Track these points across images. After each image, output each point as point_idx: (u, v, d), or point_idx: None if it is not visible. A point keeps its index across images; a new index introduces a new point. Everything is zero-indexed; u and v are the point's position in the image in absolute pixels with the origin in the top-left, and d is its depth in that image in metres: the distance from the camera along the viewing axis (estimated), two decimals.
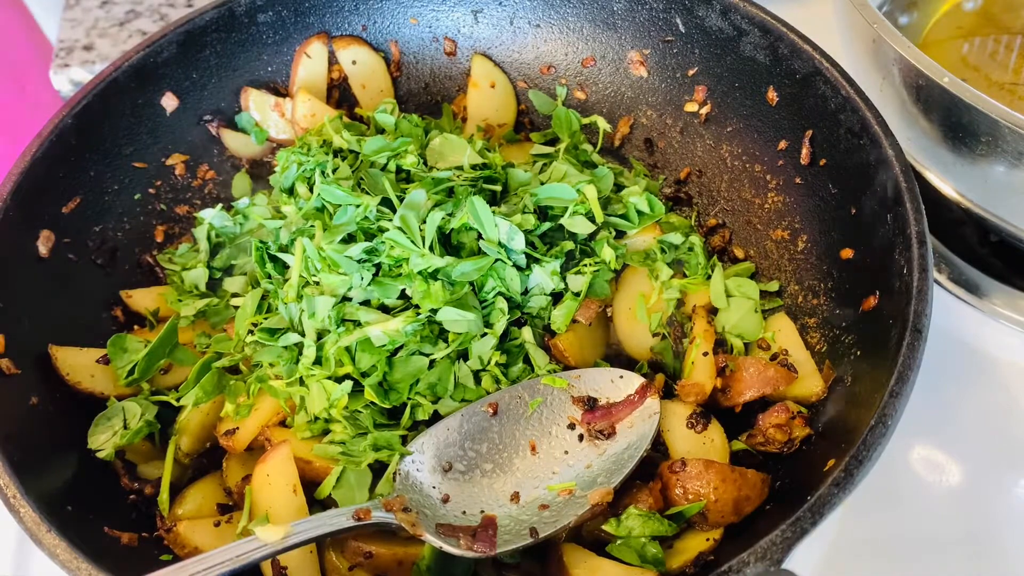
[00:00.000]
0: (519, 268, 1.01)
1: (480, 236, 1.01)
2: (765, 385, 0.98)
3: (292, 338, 0.99)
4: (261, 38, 1.24)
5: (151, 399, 1.01)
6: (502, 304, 1.00)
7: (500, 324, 0.99)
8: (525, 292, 1.03)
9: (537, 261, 1.02)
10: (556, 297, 1.05)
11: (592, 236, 1.08)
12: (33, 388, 0.96)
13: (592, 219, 1.06)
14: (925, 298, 0.87)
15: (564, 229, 1.06)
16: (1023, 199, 1.04)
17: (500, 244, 1.00)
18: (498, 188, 1.08)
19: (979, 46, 1.26)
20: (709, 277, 1.09)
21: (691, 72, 1.20)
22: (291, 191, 1.11)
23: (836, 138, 1.04)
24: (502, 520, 0.91)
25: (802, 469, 0.91)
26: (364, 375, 0.97)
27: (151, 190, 1.19)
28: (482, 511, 0.92)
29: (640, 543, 0.88)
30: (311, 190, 1.09)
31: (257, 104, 1.24)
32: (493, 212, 1.00)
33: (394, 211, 1.01)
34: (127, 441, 0.96)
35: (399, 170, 1.09)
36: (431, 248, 0.98)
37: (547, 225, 1.05)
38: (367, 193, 1.03)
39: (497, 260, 1.00)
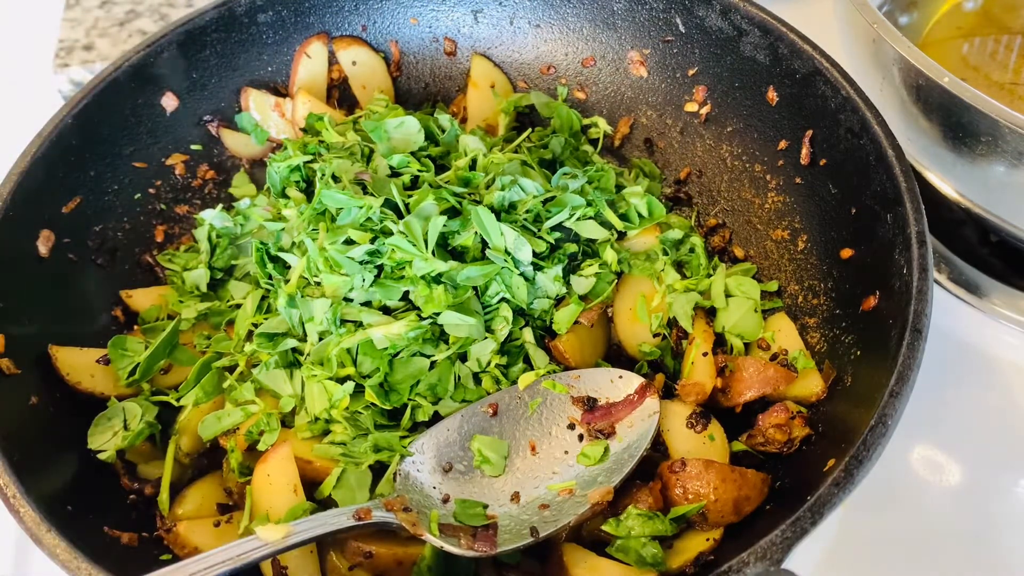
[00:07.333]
0: (526, 278, 1.01)
1: (485, 243, 1.00)
2: (765, 385, 0.97)
3: (290, 343, 0.99)
4: (261, 38, 1.24)
5: (151, 399, 1.01)
6: (507, 312, 0.99)
7: (502, 331, 0.99)
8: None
9: (540, 268, 1.02)
10: (558, 298, 1.05)
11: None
12: (33, 388, 0.96)
13: (603, 224, 1.06)
14: (925, 298, 0.87)
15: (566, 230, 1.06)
16: (1023, 199, 1.04)
17: (506, 252, 1.00)
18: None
19: (979, 46, 1.25)
20: (710, 277, 1.09)
21: (691, 72, 1.20)
22: (284, 194, 1.11)
23: (836, 138, 1.04)
24: (502, 520, 0.91)
25: (802, 469, 0.91)
26: (365, 376, 0.97)
27: (151, 190, 1.19)
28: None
29: (640, 543, 0.88)
30: (303, 192, 1.09)
31: (257, 104, 1.24)
32: (501, 220, 1.00)
33: (397, 213, 1.01)
34: (128, 443, 0.96)
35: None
36: (433, 252, 0.98)
37: (556, 235, 1.05)
38: (371, 195, 1.03)
39: (503, 268, 0.99)
